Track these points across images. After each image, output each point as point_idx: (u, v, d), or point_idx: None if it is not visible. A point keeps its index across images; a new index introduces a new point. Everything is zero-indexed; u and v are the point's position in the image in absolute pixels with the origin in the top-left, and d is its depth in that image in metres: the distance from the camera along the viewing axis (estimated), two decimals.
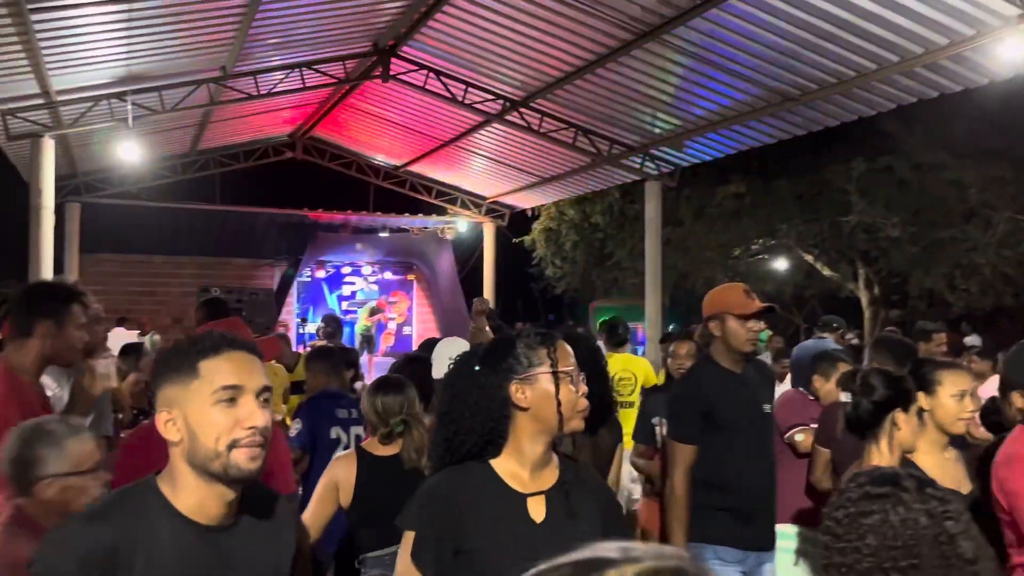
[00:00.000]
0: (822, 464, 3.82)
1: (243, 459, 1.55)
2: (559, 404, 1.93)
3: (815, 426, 4.07)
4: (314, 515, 3.23)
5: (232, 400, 1.56)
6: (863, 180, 14.80)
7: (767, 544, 3.55)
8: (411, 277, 20.23)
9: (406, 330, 20.17)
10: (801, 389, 4.63)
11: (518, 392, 1.95)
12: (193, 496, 1.58)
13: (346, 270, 19.80)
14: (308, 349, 9.42)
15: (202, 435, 1.55)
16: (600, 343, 9.24)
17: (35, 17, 7.60)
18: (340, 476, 3.27)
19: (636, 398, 6.68)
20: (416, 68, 11.83)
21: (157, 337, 14.31)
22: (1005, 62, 7.69)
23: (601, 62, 10.16)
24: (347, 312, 19.66)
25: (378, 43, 11.40)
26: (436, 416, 2.08)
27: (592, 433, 3.92)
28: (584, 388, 2.02)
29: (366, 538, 3.29)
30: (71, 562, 1.48)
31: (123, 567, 1.49)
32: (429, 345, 5.10)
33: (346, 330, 19.20)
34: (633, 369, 6.74)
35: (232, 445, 1.54)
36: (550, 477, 2.00)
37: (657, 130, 12.03)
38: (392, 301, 20.11)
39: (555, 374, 1.95)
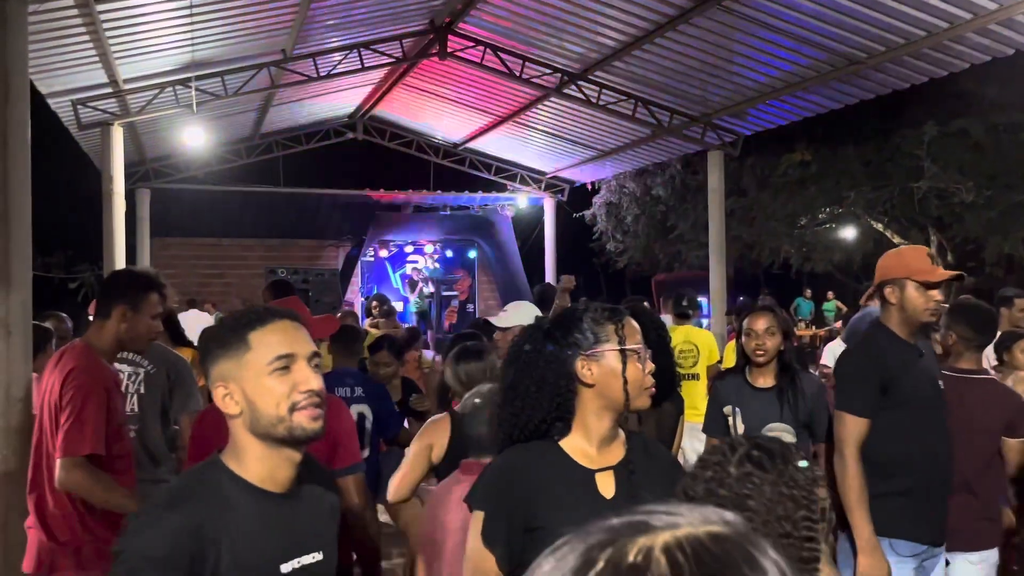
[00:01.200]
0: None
1: (306, 419, 1.61)
2: (625, 382, 1.91)
3: None
4: (407, 476, 3.31)
5: (286, 368, 1.61)
6: (935, 144, 14.30)
7: (941, 537, 3.22)
8: (473, 255, 20.32)
9: (469, 307, 20.28)
10: None
11: (584, 368, 1.92)
12: (261, 465, 1.62)
13: (408, 249, 19.97)
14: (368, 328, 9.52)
15: (262, 404, 1.59)
16: (666, 315, 9.24)
17: (100, 7, 7.79)
18: (435, 437, 3.33)
19: (699, 370, 6.62)
20: (473, 44, 11.80)
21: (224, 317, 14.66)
22: None
23: (659, 31, 9.99)
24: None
25: (434, 20, 11.39)
26: (502, 390, 2.06)
27: (656, 407, 3.92)
28: (651, 366, 1.98)
29: None
30: (161, 548, 1.50)
31: (210, 545, 1.53)
32: (478, 325, 5.16)
33: (399, 306, 19.50)
34: (695, 341, 6.67)
35: (292, 408, 1.60)
36: (618, 452, 1.98)
37: (718, 99, 11.81)
38: (454, 278, 20.19)
39: (623, 351, 1.92)
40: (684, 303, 6.97)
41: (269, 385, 1.59)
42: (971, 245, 16.06)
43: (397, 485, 3.30)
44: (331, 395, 3.40)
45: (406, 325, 13.14)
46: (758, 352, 3.78)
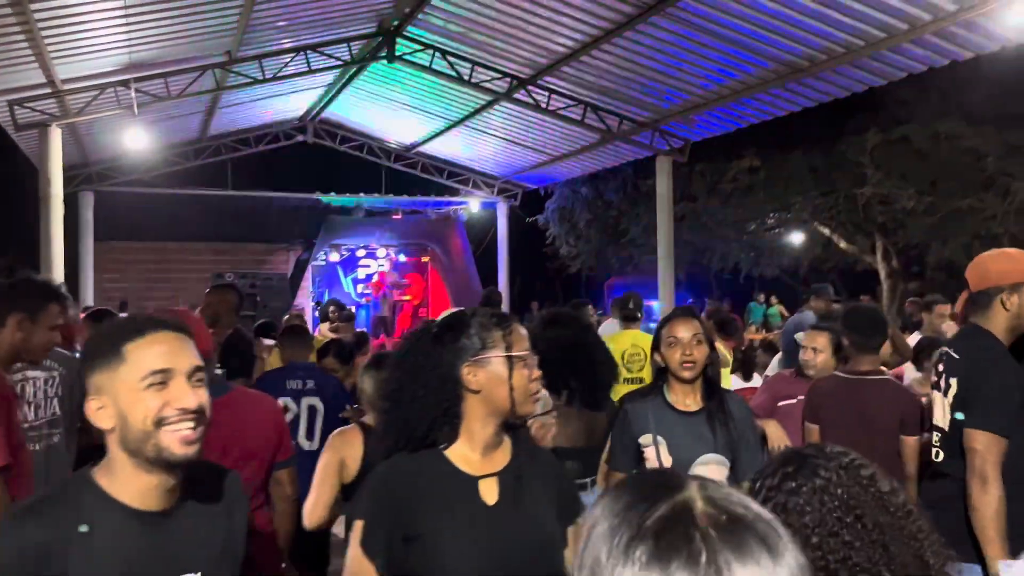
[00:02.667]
0: (814, 441, 3.74)
1: (176, 442, 1.52)
2: (511, 388, 1.89)
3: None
4: (320, 498, 3.13)
5: (163, 383, 1.53)
6: (878, 151, 14.60)
7: None
8: (425, 259, 20.23)
9: (422, 312, 20.18)
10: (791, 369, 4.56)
11: (470, 374, 1.89)
12: (132, 484, 1.56)
13: (360, 253, 19.82)
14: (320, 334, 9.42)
15: (132, 419, 1.52)
16: (615, 319, 9.25)
17: (34, 6, 7.61)
18: (346, 452, 3.20)
19: (646, 375, 6.61)
20: (422, 48, 11.76)
21: None
22: (1015, 27, 7.52)
23: (607, 37, 10.05)
24: (363, 295, 19.74)
25: (383, 24, 11.33)
26: (386, 395, 2.01)
27: (595, 409, 3.89)
28: (538, 372, 1.96)
29: None
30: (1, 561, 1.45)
31: (56, 563, 1.46)
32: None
33: (361, 313, 19.37)
34: (643, 345, 6.61)
35: (160, 423, 1.51)
36: (502, 459, 1.95)
37: (666, 105, 11.91)
38: (406, 283, 20.12)
39: (509, 358, 1.90)
40: (631, 305, 6.92)
41: (141, 400, 1.51)
42: (914, 250, 16.41)
43: (310, 510, 3.09)
44: (264, 393, 3.37)
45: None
46: (686, 364, 3.06)
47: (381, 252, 19.89)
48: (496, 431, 1.94)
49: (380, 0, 10.51)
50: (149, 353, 1.54)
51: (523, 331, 1.97)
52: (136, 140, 12.41)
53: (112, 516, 1.53)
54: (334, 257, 19.50)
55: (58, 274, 10.13)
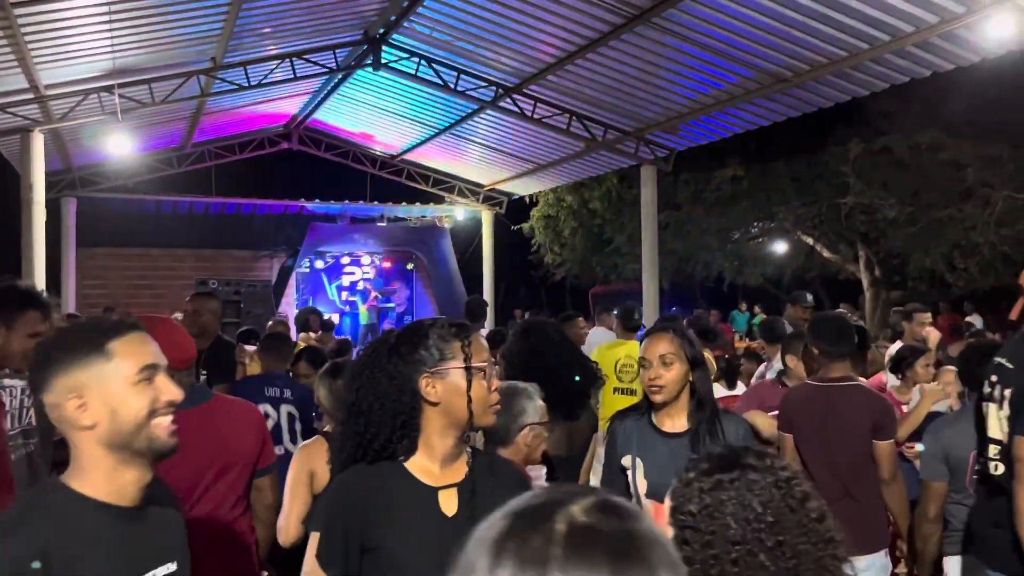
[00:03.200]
0: (789, 451, 3.74)
1: (164, 432, 1.61)
2: (470, 400, 1.87)
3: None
4: (293, 512, 3.11)
5: (149, 379, 1.61)
6: (860, 161, 14.71)
7: None
8: (410, 266, 20.22)
9: (406, 319, 20.16)
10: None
11: (428, 386, 1.88)
12: (109, 480, 1.58)
13: (345, 260, 19.79)
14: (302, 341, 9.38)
15: (124, 414, 1.57)
16: (600, 328, 9.27)
17: (19, 11, 7.57)
18: (314, 464, 3.18)
19: (636, 386, 6.60)
20: (407, 56, 11.78)
21: None
22: (995, 40, 7.61)
23: (592, 47, 10.10)
24: (347, 302, 19.70)
25: (368, 31, 11.34)
26: (344, 407, 2.00)
27: (571, 419, 3.91)
28: (496, 383, 1.95)
29: None
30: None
31: (60, 567, 1.47)
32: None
33: (347, 320, 19.33)
34: (636, 357, 6.61)
35: (152, 414, 1.60)
36: (461, 470, 1.95)
37: (650, 114, 11.97)
38: (391, 290, 20.11)
39: (468, 369, 1.88)
40: (635, 316, 6.90)
41: (135, 394, 1.58)
42: (895, 260, 16.52)
43: (285, 526, 3.10)
44: (245, 400, 3.35)
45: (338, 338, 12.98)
46: (652, 388, 2.85)
47: (366, 259, 19.87)
48: (456, 442, 1.93)
49: (366, 7, 10.51)
50: (138, 350, 1.61)
51: (483, 341, 1.96)
52: (120, 146, 12.34)
53: (93, 515, 1.56)
54: (319, 264, 19.47)
55: (39, 280, 10.06)
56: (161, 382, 1.62)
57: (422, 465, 1.92)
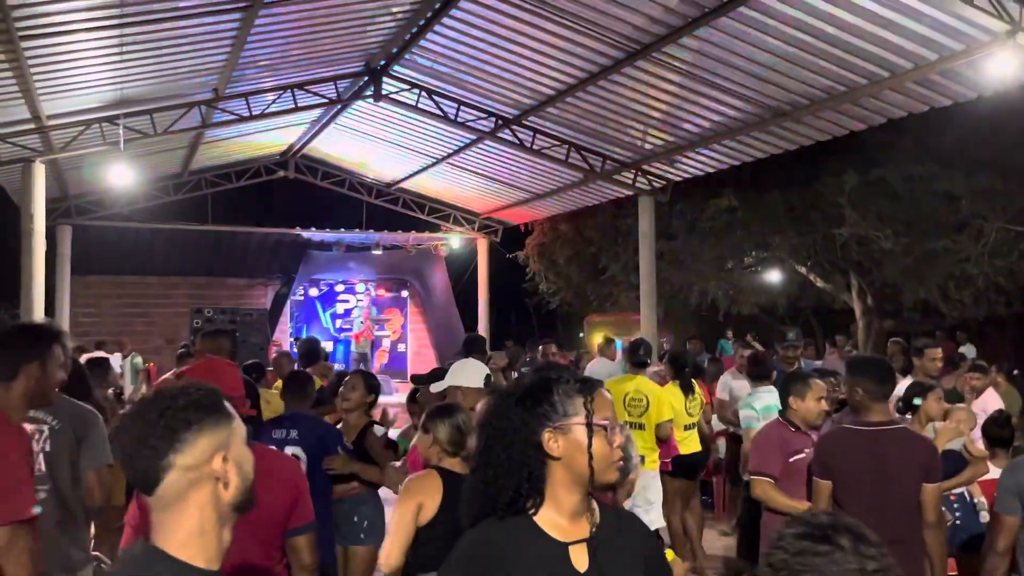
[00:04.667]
0: (824, 498, 3.67)
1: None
2: (591, 457, 1.87)
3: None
4: (396, 544, 3.11)
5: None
6: (855, 192, 14.83)
7: None
8: (405, 294, 20.21)
9: (400, 347, 20.12)
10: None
11: (551, 440, 1.88)
12: (213, 544, 1.55)
13: (339, 288, 19.77)
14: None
15: (245, 470, 1.61)
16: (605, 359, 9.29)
17: (25, 44, 7.59)
18: (424, 497, 3.17)
19: (646, 420, 6.61)
20: (408, 87, 11.85)
21: (139, 359, 14.23)
22: (993, 77, 7.73)
23: (592, 80, 10.19)
24: (341, 330, 19.66)
25: (370, 63, 11.40)
26: (473, 458, 2.01)
27: None
28: (619, 439, 1.95)
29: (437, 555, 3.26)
30: None
31: None
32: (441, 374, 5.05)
33: (340, 348, 19.27)
34: (646, 392, 6.58)
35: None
36: (590, 524, 1.94)
37: (649, 146, 12.06)
38: (385, 319, 20.08)
39: (589, 425, 1.89)
40: (641, 351, 6.95)
41: (247, 452, 1.63)
42: (889, 290, 16.62)
43: (387, 554, 3.11)
44: (284, 454, 3.29)
45: (336, 367, 12.93)
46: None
47: (360, 287, 19.85)
48: (582, 497, 1.92)
49: (369, 40, 10.58)
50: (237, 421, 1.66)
51: (607, 398, 1.96)
52: (120, 176, 12.32)
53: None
54: (313, 292, 19.42)
55: (39, 309, 10.01)
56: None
57: (551, 519, 1.91)
